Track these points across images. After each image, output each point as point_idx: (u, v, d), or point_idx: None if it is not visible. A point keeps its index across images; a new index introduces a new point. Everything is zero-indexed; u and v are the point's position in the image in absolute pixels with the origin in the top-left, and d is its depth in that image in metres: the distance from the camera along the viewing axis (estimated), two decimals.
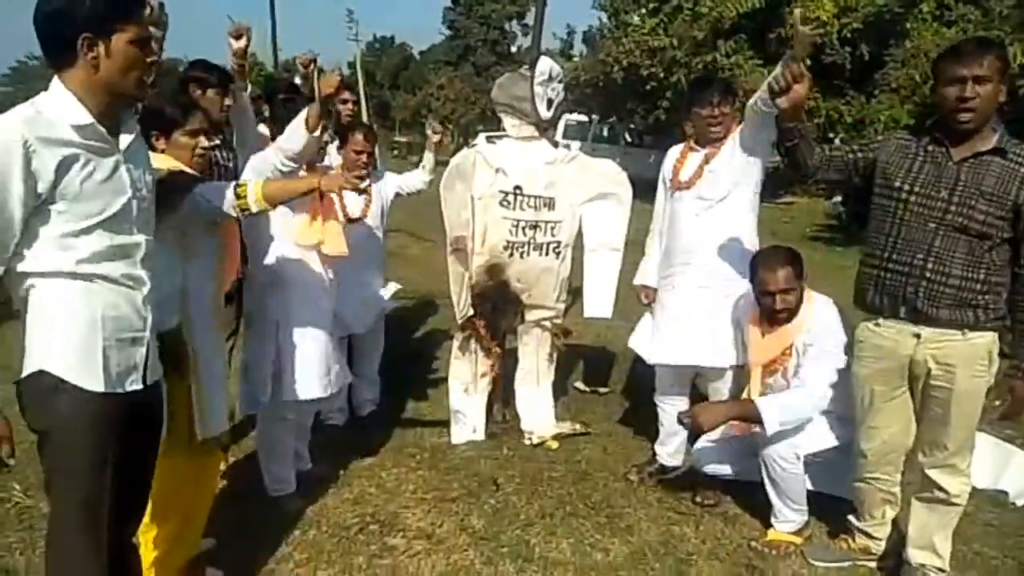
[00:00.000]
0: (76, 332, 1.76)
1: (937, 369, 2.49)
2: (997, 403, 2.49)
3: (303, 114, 2.62)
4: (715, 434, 3.23)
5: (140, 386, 1.89)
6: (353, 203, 3.62)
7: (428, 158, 4.14)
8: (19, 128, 1.63)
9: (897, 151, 2.57)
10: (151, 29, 1.83)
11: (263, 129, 3.23)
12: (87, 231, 1.75)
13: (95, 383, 1.77)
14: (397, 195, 4.04)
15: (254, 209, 2.26)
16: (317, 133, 2.64)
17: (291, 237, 2.91)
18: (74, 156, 1.70)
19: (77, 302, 1.76)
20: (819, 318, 2.93)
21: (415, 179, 4.07)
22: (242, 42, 2.93)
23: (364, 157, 3.62)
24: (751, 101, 2.90)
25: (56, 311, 1.75)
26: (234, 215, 2.27)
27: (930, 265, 2.45)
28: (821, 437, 2.93)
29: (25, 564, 2.66)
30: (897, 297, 2.53)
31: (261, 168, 2.65)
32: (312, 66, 3.14)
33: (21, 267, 1.73)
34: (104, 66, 1.72)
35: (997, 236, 2.40)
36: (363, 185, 3.41)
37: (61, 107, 1.71)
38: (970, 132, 2.40)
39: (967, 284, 2.42)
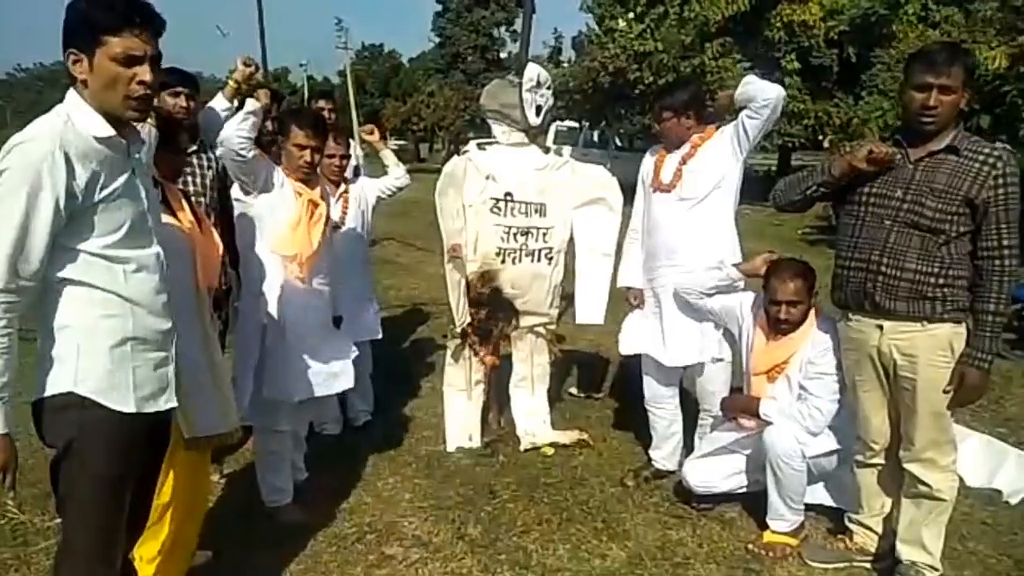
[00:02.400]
0: (105, 352, 1.71)
1: (902, 360, 2.58)
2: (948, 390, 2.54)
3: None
4: (705, 448, 3.25)
5: (173, 404, 1.86)
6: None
7: (386, 155, 4.14)
8: (51, 147, 1.59)
9: None
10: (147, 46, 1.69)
11: None
12: (110, 246, 1.71)
13: (125, 404, 1.73)
14: (380, 199, 4.05)
15: None
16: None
17: (270, 246, 2.92)
18: (99, 169, 1.67)
19: (105, 321, 1.71)
20: (823, 336, 2.98)
21: (391, 178, 4.07)
22: (248, 71, 3.11)
23: (337, 160, 3.68)
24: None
25: (83, 331, 1.70)
26: None
27: (886, 260, 2.54)
28: (826, 441, 2.99)
29: None
30: (859, 292, 2.63)
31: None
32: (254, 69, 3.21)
33: (45, 282, 1.68)
34: (90, 82, 1.67)
35: (951, 231, 2.46)
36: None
37: (85, 117, 1.67)
38: (930, 135, 2.49)
39: (921, 278, 2.49)
